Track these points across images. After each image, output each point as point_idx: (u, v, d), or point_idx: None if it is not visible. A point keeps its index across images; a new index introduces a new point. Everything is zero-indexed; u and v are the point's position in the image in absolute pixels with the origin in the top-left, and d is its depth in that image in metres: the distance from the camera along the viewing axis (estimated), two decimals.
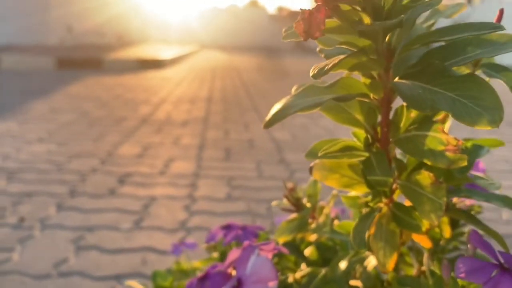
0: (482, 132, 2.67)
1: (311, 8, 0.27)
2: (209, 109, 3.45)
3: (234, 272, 0.36)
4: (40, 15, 8.99)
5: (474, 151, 0.42)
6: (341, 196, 0.39)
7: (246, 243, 0.36)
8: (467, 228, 0.45)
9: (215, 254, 0.51)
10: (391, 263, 0.36)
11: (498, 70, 0.36)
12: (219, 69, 7.46)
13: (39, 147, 2.11)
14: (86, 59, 6.36)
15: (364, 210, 0.38)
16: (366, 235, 0.35)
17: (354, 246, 0.35)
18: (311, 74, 0.30)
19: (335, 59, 0.30)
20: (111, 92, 4.11)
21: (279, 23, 20.36)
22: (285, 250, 0.38)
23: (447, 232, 0.41)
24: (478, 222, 0.38)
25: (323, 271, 0.37)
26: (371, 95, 0.35)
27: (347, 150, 0.36)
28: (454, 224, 0.45)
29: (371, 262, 0.40)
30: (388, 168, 0.34)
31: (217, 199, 1.54)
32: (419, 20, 0.39)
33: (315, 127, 2.90)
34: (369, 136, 0.36)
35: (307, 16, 0.27)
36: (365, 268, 0.39)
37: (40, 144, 2.16)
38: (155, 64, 6.93)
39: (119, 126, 2.66)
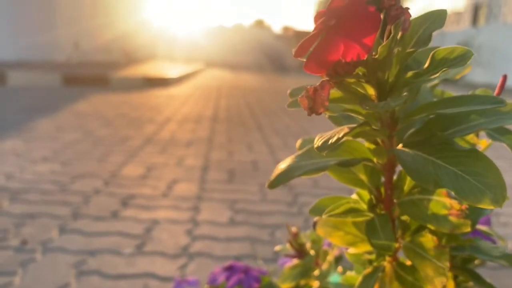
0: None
1: (315, 86, 0.27)
2: (213, 128, 3.46)
3: None
4: (47, 32, 9.10)
5: (477, 210, 0.41)
6: (344, 252, 0.39)
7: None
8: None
9: None
10: None
11: (502, 133, 0.36)
12: (224, 88, 7.50)
13: (43, 167, 2.11)
14: (93, 76, 6.42)
15: (368, 268, 0.38)
16: None
17: None
18: (315, 146, 0.30)
19: (340, 131, 0.30)
20: (117, 111, 4.13)
21: (285, 42, 20.53)
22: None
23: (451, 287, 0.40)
24: (482, 282, 0.37)
25: None
26: (375, 160, 0.35)
27: (351, 212, 0.36)
28: (457, 278, 0.45)
29: None
30: (392, 232, 0.34)
31: (220, 223, 1.53)
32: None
33: None
34: (373, 197, 0.36)
35: (311, 93, 0.27)
36: None
37: (44, 164, 2.17)
38: (161, 82, 6.98)
39: (124, 145, 2.67)
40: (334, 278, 0.48)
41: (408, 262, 0.37)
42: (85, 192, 1.78)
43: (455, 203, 0.32)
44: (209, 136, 3.15)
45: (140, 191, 1.84)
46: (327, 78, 0.28)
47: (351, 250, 0.40)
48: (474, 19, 16.26)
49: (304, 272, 0.45)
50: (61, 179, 1.94)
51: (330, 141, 0.29)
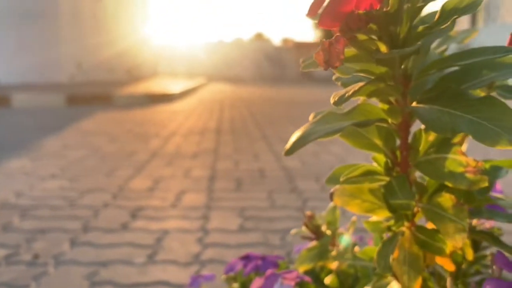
0: (495, 154, 2.66)
1: (330, 40, 0.28)
2: (218, 140, 3.47)
3: None
4: (50, 52, 9.19)
5: (492, 172, 0.42)
6: (362, 222, 0.39)
7: (268, 271, 0.35)
8: (489, 252, 0.44)
9: (235, 286, 0.50)
10: (416, 287, 0.35)
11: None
12: (227, 101, 7.53)
13: (51, 184, 2.12)
14: (96, 95, 6.47)
15: (387, 235, 0.38)
16: (390, 259, 0.35)
17: (379, 270, 0.35)
18: (331, 101, 0.30)
19: (355, 86, 0.31)
20: (122, 127, 4.15)
21: (285, 54, 20.63)
22: (308, 279, 0.38)
23: (469, 254, 0.40)
24: (502, 244, 0.37)
25: None
26: (389, 120, 0.35)
27: (368, 174, 0.36)
28: (475, 247, 0.44)
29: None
30: (410, 191, 0.34)
31: (230, 230, 1.53)
32: (432, 46, 0.40)
33: (326, 154, 2.90)
34: (388, 160, 0.37)
35: (327, 46, 0.27)
36: None
37: (52, 181, 2.18)
38: (165, 98, 7.02)
39: (130, 160, 2.68)
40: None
41: (427, 225, 0.37)
42: (94, 206, 1.78)
43: (471, 161, 0.32)
44: (215, 147, 3.16)
45: (149, 203, 1.84)
46: (341, 34, 0.28)
47: (371, 219, 0.40)
48: (473, 21, 16.30)
49: (321, 253, 0.45)
50: (70, 194, 1.95)
51: (346, 95, 0.30)
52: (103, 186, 2.09)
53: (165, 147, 3.15)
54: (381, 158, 0.37)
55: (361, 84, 0.30)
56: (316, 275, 0.46)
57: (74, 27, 10.08)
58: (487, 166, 0.42)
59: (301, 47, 20.18)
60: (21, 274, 1.21)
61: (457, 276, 0.41)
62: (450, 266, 0.39)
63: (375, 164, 0.37)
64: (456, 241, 0.32)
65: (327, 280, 0.47)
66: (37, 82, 8.99)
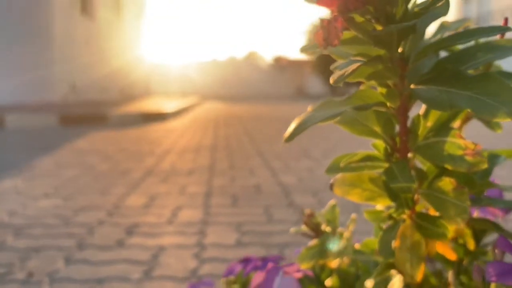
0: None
1: (328, 18, 0.28)
2: (214, 157, 3.46)
3: None
4: (42, 72, 9.19)
5: (491, 160, 0.42)
6: (364, 211, 0.39)
7: (269, 265, 0.35)
8: (490, 247, 0.44)
9: (235, 287, 0.49)
10: (419, 274, 0.35)
11: (508, 76, 0.36)
12: (221, 119, 7.54)
13: (45, 203, 2.10)
14: (90, 115, 6.46)
15: (388, 223, 0.38)
16: (392, 245, 0.35)
17: (381, 256, 0.34)
18: (331, 81, 0.30)
19: (353, 66, 0.31)
20: (116, 146, 4.14)
21: (278, 72, 20.78)
22: (310, 273, 0.37)
23: (471, 244, 0.40)
24: (503, 230, 0.37)
25: None
26: (388, 104, 0.35)
27: (368, 160, 0.36)
28: (477, 240, 0.44)
29: (396, 284, 0.39)
30: (410, 174, 0.34)
31: (227, 245, 1.52)
32: (427, 36, 0.40)
33: (321, 169, 2.89)
34: (388, 146, 0.37)
35: (326, 25, 0.28)
36: None
37: (46, 200, 2.15)
38: (159, 117, 7.02)
39: (125, 178, 2.66)
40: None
41: (429, 211, 0.37)
42: (89, 224, 1.76)
43: (469, 144, 0.32)
44: (210, 164, 3.15)
45: (144, 219, 1.82)
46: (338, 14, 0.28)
47: (374, 207, 0.39)
48: None
49: (322, 251, 0.44)
50: (64, 213, 1.92)
51: (345, 74, 0.30)
52: (97, 204, 2.07)
53: (160, 165, 3.13)
54: (381, 144, 0.37)
55: (359, 64, 0.31)
56: (316, 276, 0.45)
57: (67, 47, 10.11)
58: (484, 154, 0.43)
59: (294, 65, 20.34)
60: None
61: (458, 270, 0.41)
62: (451, 255, 0.39)
63: (374, 149, 0.37)
64: (458, 223, 0.32)
65: (328, 282, 0.46)
66: (30, 102, 8.97)
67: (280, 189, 2.35)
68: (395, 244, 0.36)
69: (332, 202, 0.50)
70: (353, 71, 0.30)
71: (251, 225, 1.73)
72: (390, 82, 0.34)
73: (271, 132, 5.36)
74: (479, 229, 0.43)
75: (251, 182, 2.53)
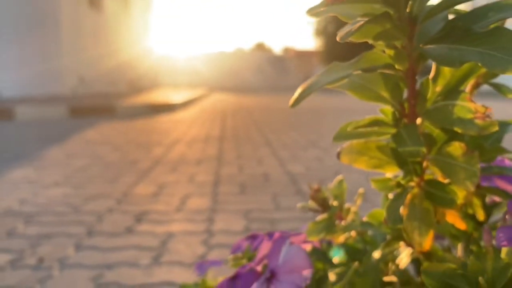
0: None
1: None
2: (222, 147, 3.47)
3: (265, 267, 0.35)
4: (51, 65, 9.22)
5: (501, 128, 0.41)
6: (370, 180, 0.38)
7: (276, 234, 0.35)
8: (500, 222, 0.44)
9: (243, 261, 0.49)
10: (427, 241, 0.35)
11: None
12: (229, 110, 7.54)
13: (55, 191, 2.12)
14: (99, 106, 6.48)
15: (396, 191, 0.37)
16: (400, 211, 0.35)
17: (389, 223, 0.34)
18: (337, 38, 0.30)
19: (361, 22, 0.30)
20: (125, 137, 4.15)
21: (286, 63, 20.69)
22: (316, 243, 0.37)
23: (481, 215, 0.39)
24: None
25: (355, 264, 0.36)
26: (396, 67, 0.35)
27: (376, 125, 0.36)
28: (487, 213, 0.44)
29: (404, 259, 0.38)
30: (419, 138, 0.33)
31: (235, 232, 1.52)
32: None
33: (329, 159, 2.89)
34: (396, 112, 0.36)
35: None
36: (397, 265, 0.38)
37: (56, 188, 2.17)
38: (167, 108, 7.03)
39: (134, 167, 2.68)
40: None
41: (438, 177, 0.36)
42: (98, 212, 1.78)
43: (479, 107, 0.31)
44: (218, 154, 3.16)
45: (154, 207, 1.83)
46: None
47: (377, 178, 0.39)
48: None
49: (329, 225, 0.44)
50: (74, 201, 1.94)
51: (352, 30, 0.29)
52: (107, 192, 2.08)
53: (169, 154, 3.14)
54: (388, 110, 0.37)
55: (366, 19, 0.30)
56: (323, 254, 0.45)
57: (76, 40, 10.13)
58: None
59: (302, 55, 20.25)
60: (26, 277, 1.20)
61: (468, 243, 0.40)
62: (461, 225, 0.39)
63: (382, 115, 0.37)
64: (467, 187, 0.32)
65: (336, 260, 0.46)
66: (39, 95, 9.02)
67: (288, 177, 2.35)
68: (403, 212, 0.35)
69: (339, 177, 0.50)
70: (360, 27, 0.29)
71: (259, 212, 1.74)
72: (398, 44, 0.34)
73: (279, 123, 5.35)
74: (490, 203, 0.43)
75: (259, 171, 2.53)
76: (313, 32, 19.89)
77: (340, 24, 0.32)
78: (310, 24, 20.56)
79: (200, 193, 2.05)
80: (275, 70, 20.03)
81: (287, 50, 21.82)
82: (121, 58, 12.86)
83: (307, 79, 0.34)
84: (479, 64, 0.28)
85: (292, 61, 20.48)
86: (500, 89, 0.41)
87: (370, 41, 0.33)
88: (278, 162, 2.79)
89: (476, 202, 0.40)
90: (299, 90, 0.34)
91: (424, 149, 0.33)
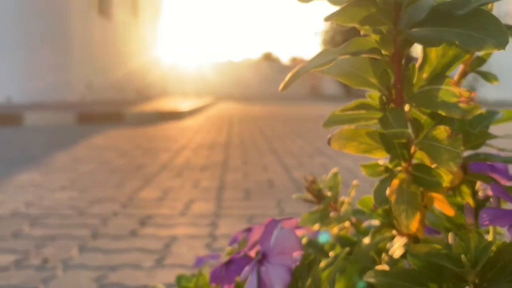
0: None
1: None
2: (228, 154, 3.48)
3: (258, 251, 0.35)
4: (61, 73, 9.32)
5: (488, 116, 0.42)
6: (360, 166, 0.39)
7: (268, 219, 0.36)
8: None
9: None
10: (414, 223, 0.35)
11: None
12: (236, 118, 7.57)
13: (61, 195, 2.13)
14: (107, 113, 6.53)
15: (384, 175, 0.38)
16: (387, 193, 0.35)
17: (376, 205, 0.35)
18: (323, 19, 0.31)
19: (345, 4, 0.31)
20: (132, 143, 4.18)
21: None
22: (308, 229, 0.38)
23: (470, 203, 0.40)
24: (498, 181, 0.37)
25: (346, 249, 0.37)
26: (383, 52, 0.36)
27: (363, 108, 0.37)
28: (477, 207, 0.44)
29: (397, 250, 0.39)
30: (405, 120, 0.34)
31: None
32: None
33: (335, 166, 2.89)
34: (383, 96, 0.37)
35: None
36: (391, 256, 0.39)
37: (62, 192, 2.19)
38: (174, 116, 7.06)
39: (140, 172, 2.69)
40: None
41: (425, 162, 0.37)
42: (103, 215, 1.79)
43: (464, 91, 0.32)
44: (224, 160, 3.17)
45: (158, 211, 1.84)
46: None
47: (371, 160, 0.40)
48: None
49: (324, 216, 0.45)
50: (79, 204, 1.96)
51: (338, 10, 0.30)
52: (112, 196, 2.10)
53: (175, 160, 3.16)
54: (376, 94, 0.38)
55: (351, 1, 0.31)
56: (319, 246, 0.46)
57: (85, 49, 10.23)
58: (484, 111, 0.43)
59: None
60: (30, 277, 1.21)
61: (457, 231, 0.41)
62: (449, 211, 0.39)
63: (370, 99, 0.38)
64: (450, 167, 0.33)
65: (332, 254, 0.47)
66: (48, 102, 9.10)
67: (293, 184, 2.35)
68: (390, 195, 0.36)
69: (334, 169, 0.51)
70: (343, 8, 0.30)
71: (263, 217, 1.74)
72: (383, 29, 0.35)
73: (285, 131, 5.36)
74: (482, 198, 0.43)
75: (264, 177, 2.54)
76: (320, 42, 19.96)
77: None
78: (317, 35, 20.59)
79: (204, 198, 2.06)
80: (282, 79, 20.06)
81: (294, 60, 21.90)
82: (130, 67, 12.96)
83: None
84: (457, 43, 0.29)
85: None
86: (485, 77, 0.41)
87: (357, 26, 0.34)
88: (283, 169, 2.80)
89: (466, 190, 0.41)
90: (289, 74, 0.35)
91: (408, 131, 0.34)
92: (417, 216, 0.35)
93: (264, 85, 19.96)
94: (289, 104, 12.90)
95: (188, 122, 6.68)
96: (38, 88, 9.11)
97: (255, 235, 0.36)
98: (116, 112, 6.59)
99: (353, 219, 0.45)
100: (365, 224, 0.46)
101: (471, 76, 0.44)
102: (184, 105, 8.57)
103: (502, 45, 0.30)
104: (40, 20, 9.21)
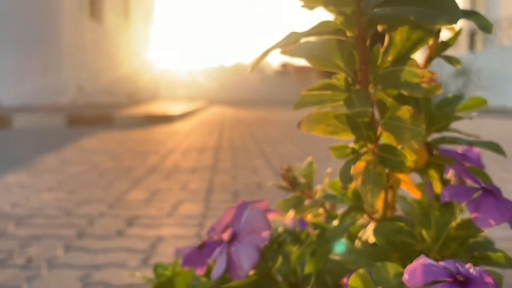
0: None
1: None
2: (217, 157, 3.48)
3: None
4: (51, 76, 9.27)
5: (454, 100, 0.43)
6: (328, 148, 0.40)
7: (240, 201, 0.36)
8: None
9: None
10: (379, 202, 0.36)
11: (470, 15, 0.37)
12: (227, 122, 7.57)
13: (48, 195, 2.12)
14: (97, 116, 6.50)
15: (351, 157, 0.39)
16: (351, 172, 0.36)
17: (341, 182, 0.35)
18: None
19: None
20: (121, 146, 4.17)
21: (285, 78, 20.82)
22: (278, 212, 0.38)
23: (438, 187, 0.41)
24: (461, 162, 0.38)
25: (316, 231, 0.37)
26: (347, 33, 0.37)
27: (329, 88, 0.38)
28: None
29: (371, 236, 0.40)
30: (368, 100, 0.35)
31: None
32: None
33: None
34: (349, 78, 0.38)
35: None
36: (366, 241, 0.39)
37: (49, 193, 2.18)
38: (165, 119, 7.05)
39: (128, 175, 2.68)
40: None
41: (391, 143, 0.38)
42: (90, 215, 1.78)
43: (426, 72, 0.33)
44: (213, 163, 3.17)
45: (145, 212, 1.84)
46: None
47: (336, 141, 0.41)
48: (471, 44, 16.48)
49: (298, 202, 0.46)
50: (66, 205, 1.94)
51: None
52: (99, 197, 2.09)
53: (164, 163, 3.15)
54: (342, 76, 0.38)
55: None
56: (296, 235, 0.46)
57: (76, 52, 10.19)
58: (449, 96, 0.44)
59: (300, 70, 20.39)
60: (14, 276, 1.20)
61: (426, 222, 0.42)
62: (416, 193, 0.40)
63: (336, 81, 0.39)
64: (412, 145, 0.33)
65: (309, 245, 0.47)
66: (38, 105, 9.04)
67: None
68: (356, 174, 0.37)
69: (309, 159, 0.51)
70: None
71: None
72: (348, 10, 0.35)
73: (275, 135, 5.37)
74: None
75: (253, 180, 2.54)
76: None
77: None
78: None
79: (192, 199, 2.06)
80: (273, 84, 20.14)
81: (285, 65, 21.96)
82: (122, 71, 12.93)
83: None
84: (412, 19, 0.30)
85: (290, 76, 20.61)
86: (449, 60, 0.42)
87: (322, 7, 0.35)
88: (273, 172, 2.80)
89: (433, 174, 0.41)
90: (257, 56, 0.35)
91: (371, 109, 0.35)
92: (382, 195, 0.36)
93: (255, 90, 19.99)
94: (280, 109, 12.93)
95: (178, 126, 6.67)
96: (28, 91, 9.05)
97: (227, 217, 0.36)
98: (106, 115, 6.57)
99: (327, 206, 0.46)
100: (339, 211, 0.47)
101: (461, 83, 0.45)
102: (175, 109, 8.56)
103: (454, 20, 0.31)
104: (31, 22, 9.16)
